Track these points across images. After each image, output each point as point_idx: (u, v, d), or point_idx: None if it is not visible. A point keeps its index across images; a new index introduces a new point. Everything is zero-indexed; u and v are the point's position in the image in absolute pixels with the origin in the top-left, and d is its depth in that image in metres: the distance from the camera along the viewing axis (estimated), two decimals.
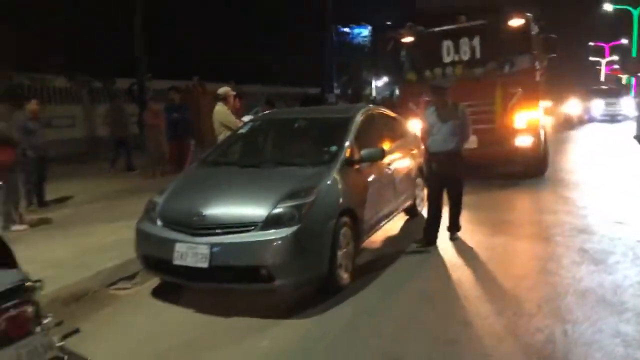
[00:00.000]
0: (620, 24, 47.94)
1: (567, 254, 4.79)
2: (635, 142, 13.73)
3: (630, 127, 17.28)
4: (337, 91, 28.74)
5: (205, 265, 3.65)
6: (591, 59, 67.46)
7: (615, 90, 28.43)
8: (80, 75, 15.48)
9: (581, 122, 23.41)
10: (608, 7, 43.98)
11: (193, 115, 12.21)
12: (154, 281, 4.43)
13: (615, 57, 62.79)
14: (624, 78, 55.04)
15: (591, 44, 65.55)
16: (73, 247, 5.24)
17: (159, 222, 4.05)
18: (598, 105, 24.58)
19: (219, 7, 27.07)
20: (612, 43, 60.05)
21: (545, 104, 9.84)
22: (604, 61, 63.00)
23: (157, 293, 4.26)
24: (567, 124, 21.59)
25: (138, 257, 4.22)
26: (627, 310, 3.52)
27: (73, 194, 8.12)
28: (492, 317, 3.52)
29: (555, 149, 11.25)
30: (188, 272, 3.75)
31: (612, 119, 23.86)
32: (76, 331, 3.38)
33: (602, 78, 60.34)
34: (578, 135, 17.76)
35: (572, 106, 24.03)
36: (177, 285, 4.18)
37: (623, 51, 55.50)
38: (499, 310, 3.61)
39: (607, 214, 6.16)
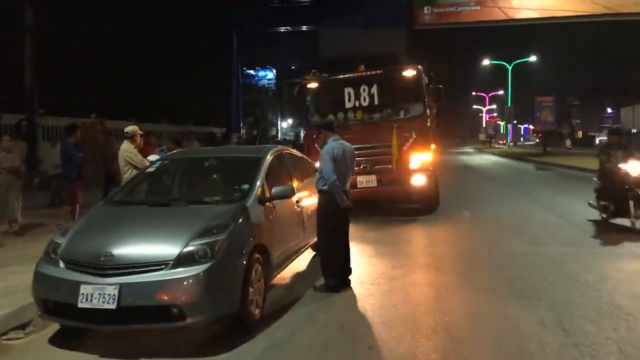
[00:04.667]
0: (498, 76, 53.94)
1: (455, 280, 5.34)
2: None
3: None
4: (243, 131, 28.93)
5: (113, 306, 3.55)
6: (474, 107, 74.78)
7: None
8: None
9: None
10: (487, 61, 49.59)
11: (93, 154, 11.69)
12: (52, 328, 4.18)
13: (494, 106, 70.36)
14: (502, 125, 61.59)
15: (473, 93, 72.85)
16: None
17: (61, 264, 3.88)
18: None
19: (122, 43, 26.35)
20: (491, 93, 67.40)
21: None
22: (484, 109, 70.22)
23: (56, 340, 4.01)
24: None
25: (35, 301, 3.98)
26: (516, 325, 4.01)
27: None
28: (394, 340, 3.82)
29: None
30: (94, 314, 3.61)
31: None
32: None
33: (484, 124, 67.03)
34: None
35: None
36: (78, 331, 3.99)
37: (500, 101, 62.43)
38: (400, 334, 3.92)
39: (487, 244, 6.94)
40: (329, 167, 4.99)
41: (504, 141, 55.71)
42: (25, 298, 4.37)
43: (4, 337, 4.10)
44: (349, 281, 5.16)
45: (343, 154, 5.14)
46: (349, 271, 5.22)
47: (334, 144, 5.18)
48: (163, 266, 3.69)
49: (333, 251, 5.13)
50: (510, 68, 46.83)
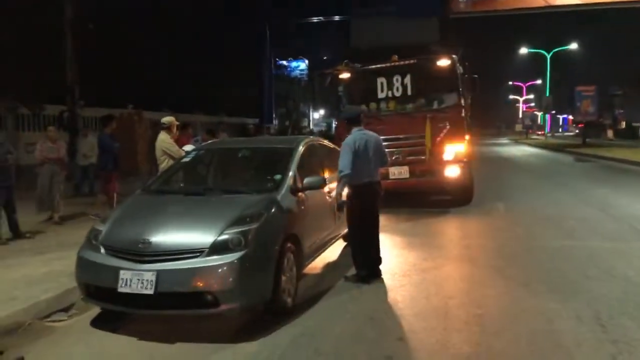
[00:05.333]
0: (536, 65, 52.34)
1: (489, 273, 5.26)
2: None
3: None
4: (275, 122, 29.13)
5: (150, 291, 3.67)
6: (511, 97, 72.81)
7: None
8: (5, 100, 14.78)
9: None
10: (524, 50, 48.19)
11: (129, 144, 11.98)
12: (93, 312, 4.36)
13: (531, 96, 68.39)
14: (539, 115, 59.89)
15: (510, 83, 70.90)
16: (1, 281, 5.01)
17: (102, 250, 4.03)
18: None
19: (157, 35, 26.87)
20: (529, 83, 65.52)
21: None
22: (521, 99, 68.30)
23: (97, 323, 4.19)
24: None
25: (79, 285, 4.15)
26: (551, 319, 3.93)
27: None
28: (425, 332, 3.81)
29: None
30: (133, 299, 3.75)
31: None
32: (21, 359, 3.32)
33: (520, 115, 65.28)
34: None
35: None
36: (118, 315, 4.14)
37: (538, 90, 60.61)
38: (431, 327, 3.91)
39: (522, 238, 6.79)
40: (344, 158, 4.99)
41: (542, 132, 54.14)
42: (69, 282, 4.57)
43: (48, 320, 4.30)
44: (379, 272, 5.15)
45: (365, 145, 5.06)
46: (379, 261, 5.21)
47: (356, 135, 5.11)
48: (198, 254, 3.78)
49: (360, 243, 5.13)
50: (549, 56, 45.36)
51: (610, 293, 4.51)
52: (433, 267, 5.51)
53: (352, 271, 5.20)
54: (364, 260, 5.12)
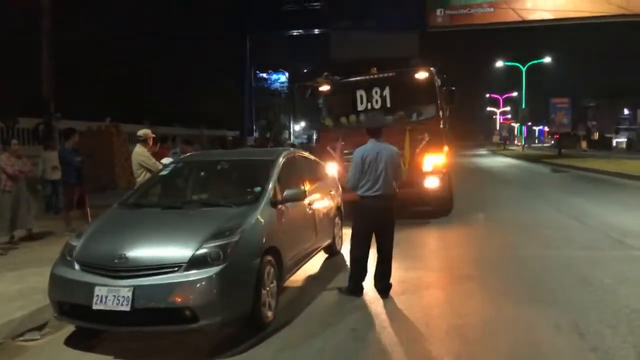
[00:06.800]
0: (512, 78, 53.54)
1: (469, 284, 5.28)
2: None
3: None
4: (255, 134, 29.07)
5: (127, 308, 3.58)
6: (488, 109, 74.23)
7: None
8: None
9: None
10: (500, 63, 49.31)
11: (106, 157, 11.68)
12: (67, 330, 4.23)
13: (508, 108, 69.85)
14: (516, 127, 61.12)
15: (487, 95, 72.34)
16: None
17: (76, 266, 3.93)
18: None
19: (137, 48, 26.70)
20: (505, 95, 66.93)
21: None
22: (498, 111, 69.64)
23: (71, 341, 4.06)
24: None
25: (52, 303, 4.03)
26: (531, 328, 3.96)
27: None
28: (407, 344, 3.80)
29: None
30: (108, 316, 3.65)
31: None
32: None
33: (498, 127, 66.57)
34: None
35: None
36: (92, 332, 4.04)
37: (514, 102, 61.95)
38: (413, 338, 3.91)
39: (501, 247, 6.86)
40: (350, 169, 4.99)
41: (519, 143, 55.16)
42: (42, 300, 4.42)
43: (21, 339, 4.15)
44: (362, 288, 4.99)
45: (376, 156, 4.91)
46: (388, 285, 4.99)
47: (368, 147, 5.00)
48: (176, 268, 3.71)
49: (357, 254, 5.03)
50: (524, 70, 46.45)
51: (587, 301, 4.57)
52: (414, 278, 5.51)
53: (334, 287, 5.17)
54: (356, 273, 5.02)
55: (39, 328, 4.33)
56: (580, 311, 4.30)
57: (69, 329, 4.21)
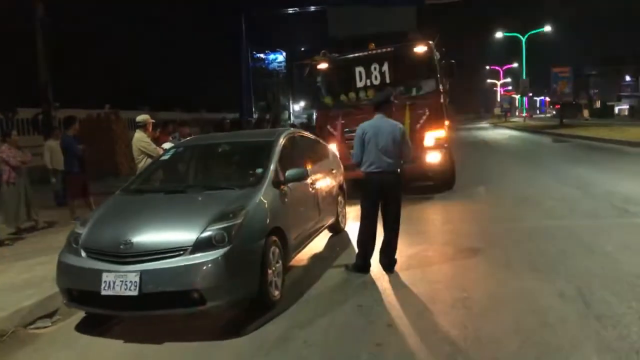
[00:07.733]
0: (512, 49, 52.88)
1: (473, 257, 5.32)
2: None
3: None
4: (255, 116, 28.91)
5: (134, 293, 3.62)
6: (488, 81, 73.53)
7: None
8: None
9: None
10: (500, 34, 48.63)
11: (107, 145, 11.60)
12: (77, 316, 4.30)
13: (508, 79, 69.17)
14: (517, 98, 60.65)
15: (487, 67, 71.53)
16: None
17: (82, 253, 3.96)
18: None
19: (135, 34, 26.41)
20: (505, 66, 66.19)
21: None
22: (499, 83, 68.99)
23: (82, 327, 4.13)
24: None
25: (60, 290, 4.08)
26: (535, 298, 3.99)
27: None
28: (413, 318, 3.84)
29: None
30: (117, 301, 3.70)
31: None
32: None
33: (499, 98, 66.06)
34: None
35: None
36: (103, 318, 4.10)
37: (515, 74, 61.31)
38: (419, 312, 3.95)
39: (504, 220, 6.90)
40: (354, 147, 5.01)
41: (521, 114, 54.78)
42: (51, 288, 4.48)
43: (32, 327, 4.23)
44: (369, 265, 5.03)
45: (376, 133, 4.88)
46: (393, 261, 5.02)
47: (367, 123, 4.99)
48: (182, 252, 3.74)
49: (363, 231, 5.07)
50: (524, 40, 45.84)
51: (590, 269, 4.60)
52: (418, 253, 5.55)
53: (339, 264, 5.21)
54: (361, 250, 5.07)
55: (50, 315, 4.40)
56: (584, 279, 4.33)
57: (79, 315, 4.27)
